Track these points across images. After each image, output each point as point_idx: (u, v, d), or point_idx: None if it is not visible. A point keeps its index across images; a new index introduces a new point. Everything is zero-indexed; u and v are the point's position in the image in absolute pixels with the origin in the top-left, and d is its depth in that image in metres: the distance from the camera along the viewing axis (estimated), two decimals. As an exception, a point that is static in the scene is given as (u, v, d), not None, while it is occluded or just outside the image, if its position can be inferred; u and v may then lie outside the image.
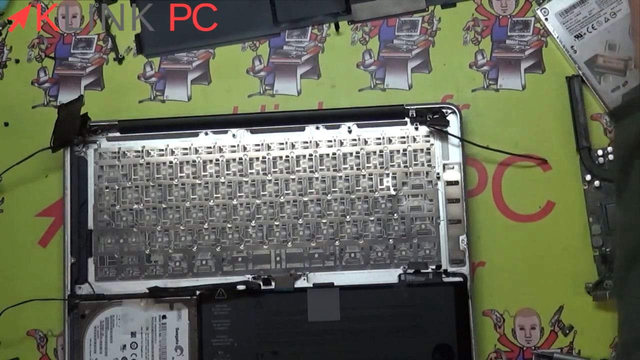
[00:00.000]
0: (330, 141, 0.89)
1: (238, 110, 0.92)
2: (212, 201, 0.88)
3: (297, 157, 0.89)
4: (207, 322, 0.86)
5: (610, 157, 0.88)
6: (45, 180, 0.91)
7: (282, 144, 0.89)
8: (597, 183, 0.88)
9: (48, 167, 0.90)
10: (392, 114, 0.89)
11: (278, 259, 0.87)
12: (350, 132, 0.89)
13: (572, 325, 0.87)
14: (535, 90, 0.91)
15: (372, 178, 0.88)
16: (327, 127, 0.89)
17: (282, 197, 0.88)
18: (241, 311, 0.86)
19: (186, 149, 0.89)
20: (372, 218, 0.87)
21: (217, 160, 0.89)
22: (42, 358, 0.88)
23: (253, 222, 0.88)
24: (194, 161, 0.89)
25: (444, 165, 0.88)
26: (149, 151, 0.89)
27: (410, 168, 0.88)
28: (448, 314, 0.85)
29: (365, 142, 0.89)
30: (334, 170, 0.88)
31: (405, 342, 0.85)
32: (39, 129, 0.90)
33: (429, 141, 0.88)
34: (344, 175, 0.88)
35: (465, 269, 0.86)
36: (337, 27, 0.93)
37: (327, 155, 0.89)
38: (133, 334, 0.86)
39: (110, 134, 0.90)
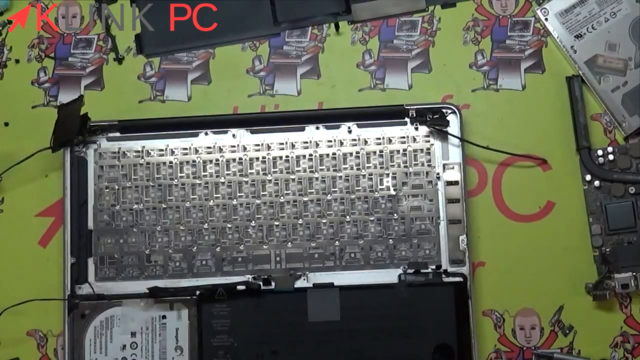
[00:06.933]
0: (330, 141, 0.89)
1: (238, 110, 0.92)
2: (212, 201, 0.88)
3: (297, 157, 0.89)
4: (207, 322, 0.86)
5: (610, 157, 0.88)
6: (45, 180, 0.91)
7: (282, 144, 0.89)
8: (597, 183, 0.88)
9: (48, 167, 0.90)
10: (392, 114, 0.89)
11: (278, 259, 0.87)
12: (350, 132, 0.89)
13: (572, 325, 0.87)
14: (535, 90, 0.91)
15: (372, 178, 0.88)
16: (327, 127, 0.89)
17: (282, 197, 0.88)
18: (241, 311, 0.86)
19: (186, 149, 0.89)
20: (372, 218, 0.87)
21: (217, 160, 0.89)
22: (42, 358, 0.88)
23: (253, 222, 0.88)
24: (194, 161, 0.89)
25: (444, 165, 0.88)
26: (149, 151, 0.89)
27: (410, 168, 0.88)
28: (448, 314, 0.85)
29: (365, 142, 0.89)
30: (334, 170, 0.88)
31: (405, 342, 0.85)
32: (39, 129, 0.90)
33: (429, 141, 0.88)
34: (344, 175, 0.88)
35: (465, 269, 0.86)
36: (337, 27, 0.93)
37: (327, 155, 0.89)
38: (133, 334, 0.86)
39: (110, 134, 0.90)
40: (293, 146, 0.89)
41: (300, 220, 0.88)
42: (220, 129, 0.89)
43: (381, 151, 0.88)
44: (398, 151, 0.88)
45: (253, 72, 0.93)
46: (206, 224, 0.88)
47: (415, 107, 0.89)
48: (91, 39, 0.94)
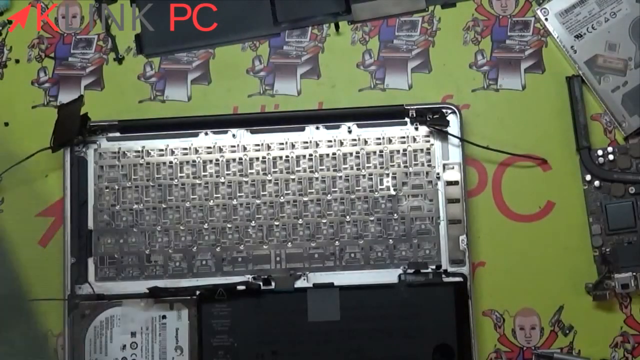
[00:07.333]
0: (330, 141, 0.89)
1: (238, 110, 0.92)
2: (212, 201, 0.88)
3: (297, 157, 0.89)
4: (207, 322, 0.86)
5: (610, 157, 0.88)
6: (45, 180, 0.91)
7: (282, 144, 0.89)
8: (597, 183, 0.88)
9: (48, 167, 0.90)
10: (392, 114, 0.89)
11: (278, 259, 0.87)
12: (350, 132, 0.89)
13: (572, 325, 0.87)
14: (535, 90, 0.91)
15: (372, 178, 0.88)
16: (327, 127, 0.89)
17: (282, 197, 0.88)
18: (241, 311, 0.86)
19: (186, 149, 0.89)
20: (372, 218, 0.87)
21: (217, 160, 0.89)
22: (42, 358, 0.88)
23: (253, 222, 0.88)
24: (194, 161, 0.89)
25: (444, 165, 0.88)
26: (149, 151, 0.89)
27: (410, 168, 0.88)
28: (448, 314, 0.85)
29: (365, 142, 0.89)
30: (334, 170, 0.88)
31: (405, 342, 0.85)
32: (39, 129, 0.90)
33: (429, 141, 0.88)
34: (344, 175, 0.88)
35: (465, 269, 0.86)
36: (337, 27, 0.93)
37: (327, 155, 0.89)
38: (133, 334, 0.86)
39: (110, 134, 0.90)
40: (293, 146, 0.89)
41: (300, 220, 0.88)
42: (220, 129, 0.89)
43: (381, 151, 0.88)
44: (398, 151, 0.88)
45: (253, 72, 0.93)
46: (206, 224, 0.88)
47: (415, 107, 0.89)
48: (91, 39, 0.94)
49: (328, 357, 0.85)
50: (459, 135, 0.88)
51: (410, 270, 0.86)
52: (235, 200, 0.88)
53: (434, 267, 0.86)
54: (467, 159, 0.88)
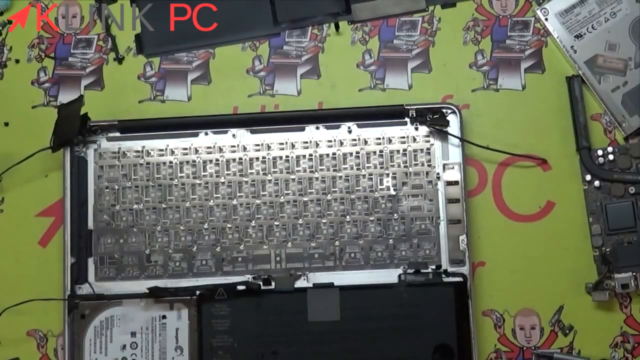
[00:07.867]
0: (330, 141, 0.89)
1: (238, 110, 0.92)
2: (212, 201, 0.88)
3: (297, 157, 0.89)
4: (207, 322, 0.86)
5: (610, 157, 0.88)
6: (45, 180, 0.91)
7: (282, 144, 0.89)
8: (597, 183, 0.88)
9: (48, 167, 0.90)
10: (392, 114, 0.89)
11: (278, 259, 0.87)
12: (350, 132, 0.89)
13: (572, 325, 0.87)
14: (535, 90, 0.91)
15: (372, 178, 0.88)
16: (327, 127, 0.89)
17: (282, 197, 0.88)
18: (241, 311, 0.86)
19: (186, 149, 0.89)
20: (372, 218, 0.87)
21: (217, 160, 0.89)
22: (42, 358, 0.88)
23: (253, 222, 0.88)
24: (194, 161, 0.89)
25: (444, 165, 0.88)
26: (149, 151, 0.89)
27: (410, 168, 0.88)
28: (448, 314, 0.85)
29: (365, 142, 0.89)
30: (334, 170, 0.88)
31: (405, 342, 0.85)
32: (39, 129, 0.90)
33: (429, 141, 0.88)
34: (344, 175, 0.88)
35: (465, 269, 0.86)
36: (337, 27, 0.93)
37: (327, 155, 0.89)
38: (133, 334, 0.86)
39: (110, 134, 0.90)
40: (293, 146, 0.89)
41: (300, 220, 0.88)
42: (220, 129, 0.89)
43: (381, 151, 0.88)
44: (398, 151, 0.88)
45: (253, 72, 0.93)
46: (206, 224, 0.88)
47: (415, 107, 0.89)
48: (91, 39, 0.94)
49: (328, 357, 0.85)
50: (459, 135, 0.88)
51: (410, 270, 0.86)
52: (235, 200, 0.88)
53: (434, 267, 0.86)
54: (467, 159, 0.88)
